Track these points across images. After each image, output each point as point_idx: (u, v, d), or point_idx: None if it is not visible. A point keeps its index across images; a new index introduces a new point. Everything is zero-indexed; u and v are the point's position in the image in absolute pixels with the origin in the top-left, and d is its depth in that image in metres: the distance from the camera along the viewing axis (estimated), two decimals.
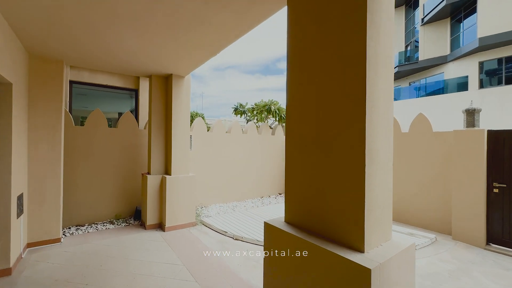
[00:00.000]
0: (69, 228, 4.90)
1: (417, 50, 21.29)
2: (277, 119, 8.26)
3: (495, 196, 4.58)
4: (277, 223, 2.09)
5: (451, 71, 19.44)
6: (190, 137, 6.25)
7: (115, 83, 5.93)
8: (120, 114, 7.29)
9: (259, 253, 4.00)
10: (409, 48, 22.67)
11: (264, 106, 7.95)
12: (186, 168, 5.24)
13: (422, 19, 20.16)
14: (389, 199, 1.76)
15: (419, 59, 20.70)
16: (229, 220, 5.48)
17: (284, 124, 8.49)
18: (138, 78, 6.16)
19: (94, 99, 6.73)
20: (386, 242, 1.73)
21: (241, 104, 8.31)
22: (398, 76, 23.03)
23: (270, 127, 8.39)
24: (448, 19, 19.61)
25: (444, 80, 20.04)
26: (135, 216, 5.50)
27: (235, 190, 7.28)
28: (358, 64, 1.53)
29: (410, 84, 22.95)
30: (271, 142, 8.12)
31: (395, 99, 23.11)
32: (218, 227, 5.01)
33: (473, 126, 4.84)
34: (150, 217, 5.02)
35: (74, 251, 3.94)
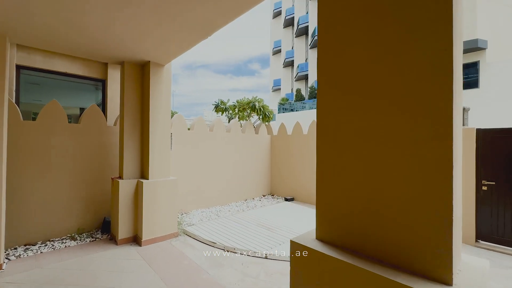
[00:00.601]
0: (15, 249, 3.87)
1: None
2: (260, 117, 7.79)
3: (484, 193, 4.60)
4: (309, 242, 1.56)
5: None
6: (171, 136, 5.49)
7: (77, 71, 4.94)
8: (82, 109, 6.23)
9: (256, 268, 3.46)
10: None
11: (248, 103, 7.43)
12: (166, 171, 4.50)
13: None
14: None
15: None
16: (216, 228, 4.85)
17: (268, 123, 8.06)
18: (106, 66, 5.23)
19: (50, 91, 5.61)
20: (460, 264, 1.31)
21: (222, 101, 7.69)
22: None
23: (253, 125, 7.89)
24: None
25: None
26: (103, 229, 4.60)
27: (218, 193, 6.63)
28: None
29: None
30: (255, 142, 7.62)
31: None
32: (204, 237, 4.35)
33: (463, 124, 4.83)
34: (123, 229, 4.19)
35: (20, 281, 3.02)
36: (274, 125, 8.33)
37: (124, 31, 3.18)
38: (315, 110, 26.52)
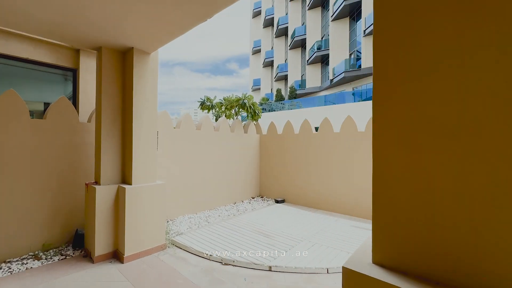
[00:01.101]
0: None
1: (360, 58, 23.02)
2: (248, 116, 7.35)
3: None
4: (365, 268, 1.17)
5: None
6: (157, 134, 4.87)
7: (42, 58, 4.14)
8: (47, 105, 5.36)
9: (262, 284, 3.04)
10: (352, 56, 24.34)
11: (237, 100, 6.95)
12: (152, 174, 3.91)
13: (364, 31, 21.82)
14: None
15: (362, 67, 22.35)
16: (208, 237, 4.33)
17: (256, 122, 7.64)
18: (78, 53, 4.48)
19: (4, 81, 4.71)
20: None
21: (208, 98, 7.14)
22: (343, 82, 24.53)
23: (243, 123, 7.44)
24: None
25: None
26: (74, 244, 3.88)
27: (206, 197, 6.09)
28: None
29: (353, 89, 24.62)
30: (244, 141, 7.17)
31: (339, 103, 24.56)
32: (197, 249, 3.83)
33: None
34: (101, 244, 3.53)
35: None
36: (262, 124, 7.95)
37: (101, 10, 2.58)
38: (296, 110, 26.15)
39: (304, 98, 27.08)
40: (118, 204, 3.65)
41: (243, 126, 7.31)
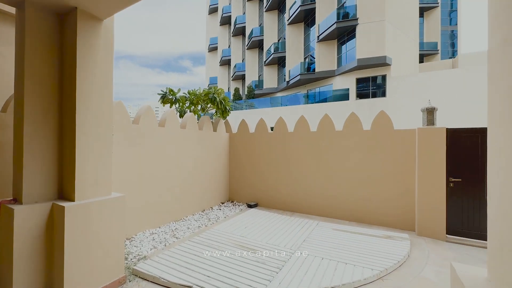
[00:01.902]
0: None
1: (314, 62, 23.89)
2: (217, 113, 6.52)
3: (451, 190, 4.68)
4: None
5: (338, 83, 22.67)
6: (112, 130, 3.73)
7: None
8: None
9: None
10: (307, 60, 25.13)
11: (206, 94, 6.05)
12: (106, 185, 2.86)
13: (318, 37, 22.69)
14: None
15: (316, 71, 23.22)
16: (181, 259, 3.44)
17: (225, 119, 6.85)
18: None
19: None
20: None
21: (171, 90, 6.05)
22: (298, 84, 25.16)
23: (212, 120, 6.58)
24: (336, 40, 22.79)
25: (333, 90, 23.22)
26: None
27: (170, 206, 5.07)
28: None
29: (307, 92, 25.45)
30: (213, 140, 6.32)
31: (294, 104, 25.17)
32: (171, 280, 2.92)
33: (433, 124, 4.86)
34: None
35: None
36: (230, 122, 7.20)
37: None
38: (256, 110, 25.77)
39: (262, 99, 27.03)
40: (54, 230, 2.53)
41: (213, 123, 6.46)
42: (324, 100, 23.95)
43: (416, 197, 4.80)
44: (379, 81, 20.88)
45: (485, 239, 4.48)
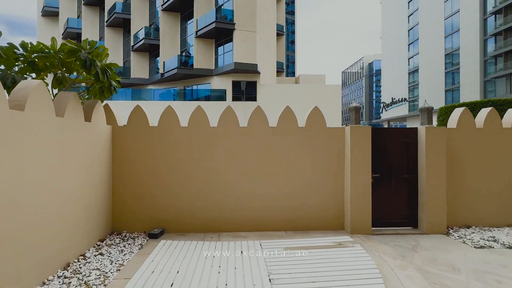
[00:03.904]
0: None
1: (192, 57, 22.17)
2: (94, 91, 3.74)
3: (372, 185, 4.87)
4: None
5: (216, 83, 22.28)
6: None
7: None
8: None
9: None
10: (184, 54, 23.03)
11: (70, 52, 3.14)
12: None
13: (196, 32, 21.24)
14: None
15: (194, 67, 21.66)
16: None
17: (105, 103, 4.15)
18: None
19: None
20: None
21: None
22: (174, 78, 22.62)
23: (82, 101, 3.70)
24: (214, 40, 22.28)
25: (211, 89, 22.62)
26: None
27: None
28: None
29: (184, 88, 23.42)
30: (84, 136, 3.54)
31: (167, 99, 22.49)
32: None
33: (359, 122, 4.88)
34: None
35: None
36: (113, 108, 4.51)
37: None
38: (123, 101, 20.83)
39: (129, 90, 22.11)
40: None
41: (83, 108, 3.61)
42: (203, 98, 22.79)
43: (350, 196, 4.62)
44: (251, 86, 22.29)
45: (393, 226, 4.94)
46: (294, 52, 44.54)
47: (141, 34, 22.36)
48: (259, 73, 21.55)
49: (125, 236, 4.17)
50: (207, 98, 22.48)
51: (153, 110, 5.57)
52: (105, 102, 4.36)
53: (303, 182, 4.74)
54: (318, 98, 19.42)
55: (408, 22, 46.40)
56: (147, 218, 4.42)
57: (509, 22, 29.00)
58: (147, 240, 4.07)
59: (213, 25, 19.65)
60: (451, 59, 37.53)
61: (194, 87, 23.19)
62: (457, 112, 5.05)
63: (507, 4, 28.94)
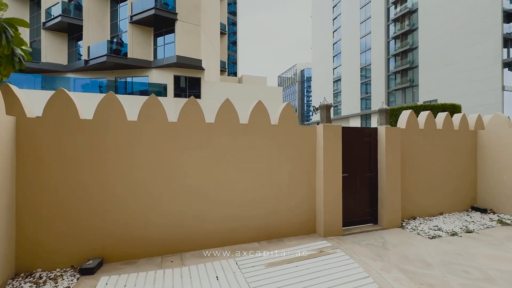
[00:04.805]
0: None
1: (125, 46, 19.11)
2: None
3: (342, 185, 4.73)
4: None
5: (155, 77, 19.94)
6: None
7: None
8: None
9: None
10: (115, 40, 19.69)
11: None
12: None
13: (131, 17, 18.41)
14: None
15: (128, 56, 18.77)
16: None
17: (4, 84, 2.65)
18: None
19: None
20: None
21: None
22: (103, 67, 19.15)
23: None
24: (152, 29, 19.84)
25: (149, 83, 20.15)
26: None
27: None
28: None
29: (116, 79, 20.13)
30: None
31: (94, 91, 19.03)
32: None
33: (330, 121, 4.66)
34: None
35: None
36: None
37: None
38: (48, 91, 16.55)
39: (37, 76, 17.54)
40: None
41: None
42: (138, 93, 20.03)
43: (323, 198, 4.34)
44: (195, 82, 20.83)
45: (358, 224, 4.94)
46: (236, 52, 44.21)
47: (57, 10, 17.96)
48: (203, 69, 20.24)
49: (41, 278, 2.79)
50: (144, 93, 19.83)
51: (80, 102, 4.11)
52: (4, 82, 2.84)
53: (277, 186, 4.22)
54: (262, 99, 19.55)
55: (333, 37, 52.12)
56: (76, 245, 3.11)
57: (404, 47, 35.67)
58: (77, 279, 2.81)
59: (152, 12, 17.35)
60: (365, 72, 43.92)
61: (129, 79, 20.13)
62: (405, 114, 5.41)
63: (403, 32, 35.51)
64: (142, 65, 19.01)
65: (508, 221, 5.00)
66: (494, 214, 5.50)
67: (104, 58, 17.75)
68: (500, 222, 4.97)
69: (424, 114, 5.58)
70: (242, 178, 4.00)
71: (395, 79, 37.68)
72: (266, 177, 4.15)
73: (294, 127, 4.40)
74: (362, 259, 3.49)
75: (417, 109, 8.15)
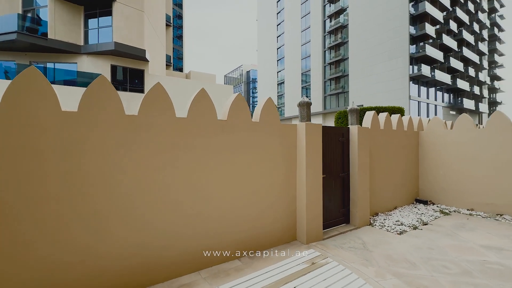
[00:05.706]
0: None
1: (44, 24, 15.27)
2: None
3: (322, 187, 4.47)
4: None
5: (85, 65, 16.73)
6: None
7: None
8: None
9: None
10: (30, 15, 15.57)
11: None
12: None
13: None
14: None
15: (49, 37, 15.13)
16: None
17: None
18: None
19: None
20: None
21: None
22: (12, 47, 15.00)
23: None
24: (82, 8, 16.54)
25: (78, 71, 16.80)
26: None
27: None
28: None
29: (30, 63, 16.06)
30: None
31: (2, 78, 14.86)
32: None
33: (310, 119, 4.31)
34: None
35: None
36: None
37: None
38: None
39: None
40: None
41: None
42: (61, 82, 16.47)
43: (305, 203, 3.97)
44: (138, 75, 18.35)
45: (334, 225, 4.78)
46: (182, 47, 41.22)
47: None
48: (147, 61, 17.94)
49: None
50: (71, 83, 16.41)
51: None
52: None
53: (260, 193, 3.63)
54: (212, 97, 18.45)
55: (277, 42, 54.12)
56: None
57: (337, 57, 39.63)
58: None
59: None
60: (305, 77, 47.09)
61: (50, 65, 16.27)
62: (369, 115, 5.54)
63: (336, 43, 39.38)
64: (69, 49, 15.58)
65: (447, 211, 5.66)
66: (434, 205, 6.19)
67: (14, 36, 13.80)
68: (442, 212, 5.57)
69: (382, 116, 5.84)
70: (221, 184, 3.26)
71: (330, 85, 41.53)
72: (249, 182, 3.50)
73: (276, 124, 3.88)
74: (353, 266, 3.24)
75: (361, 111, 8.75)
